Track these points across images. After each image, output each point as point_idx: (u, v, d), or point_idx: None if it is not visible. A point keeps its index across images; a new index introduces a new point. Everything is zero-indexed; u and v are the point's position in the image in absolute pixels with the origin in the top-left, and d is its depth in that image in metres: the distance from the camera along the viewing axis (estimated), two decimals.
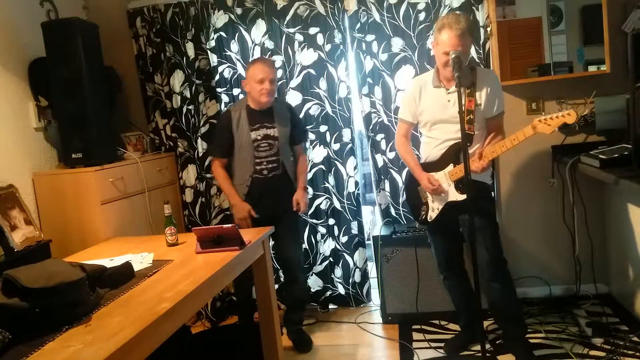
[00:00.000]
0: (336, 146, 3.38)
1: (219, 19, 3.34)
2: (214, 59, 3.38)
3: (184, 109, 3.40)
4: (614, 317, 2.94)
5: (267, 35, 3.33)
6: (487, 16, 3.04)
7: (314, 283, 3.55)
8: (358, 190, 3.43)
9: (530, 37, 3.08)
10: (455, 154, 2.46)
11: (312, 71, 3.32)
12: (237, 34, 3.38)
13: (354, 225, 3.44)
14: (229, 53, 3.40)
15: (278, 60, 3.35)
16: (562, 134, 3.13)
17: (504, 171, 3.28)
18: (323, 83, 3.32)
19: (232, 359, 2.87)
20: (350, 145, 3.36)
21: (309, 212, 3.46)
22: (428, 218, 2.65)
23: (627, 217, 2.87)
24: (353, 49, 3.27)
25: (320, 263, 3.52)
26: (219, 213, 3.47)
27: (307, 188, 3.26)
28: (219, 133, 3.01)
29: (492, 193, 2.95)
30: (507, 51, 3.07)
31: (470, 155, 2.40)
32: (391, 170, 3.33)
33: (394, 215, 3.40)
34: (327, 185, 3.43)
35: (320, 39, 3.27)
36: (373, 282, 3.49)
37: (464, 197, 2.44)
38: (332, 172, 3.41)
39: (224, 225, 2.22)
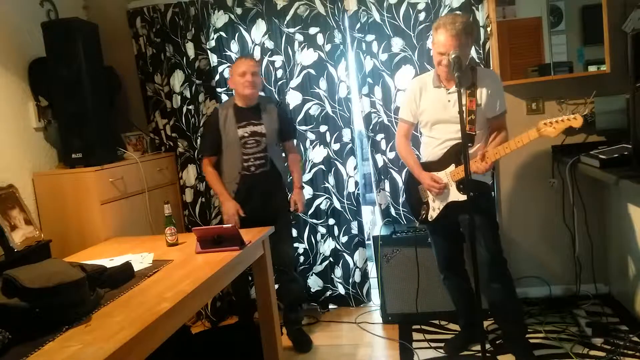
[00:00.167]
0: (336, 146, 3.38)
1: (219, 19, 3.35)
2: (214, 59, 3.39)
3: (184, 109, 3.40)
4: (614, 317, 2.94)
5: (267, 35, 3.33)
6: (487, 16, 3.04)
7: (314, 283, 3.55)
8: (358, 190, 3.43)
9: (530, 37, 3.08)
10: (457, 154, 2.46)
11: (312, 71, 3.32)
12: (237, 34, 3.38)
13: (354, 225, 3.44)
14: (229, 53, 3.40)
15: (278, 60, 3.35)
16: (563, 134, 3.13)
17: (504, 171, 3.28)
18: (323, 83, 3.32)
19: (232, 359, 2.88)
20: (350, 145, 3.36)
21: (309, 212, 3.46)
22: (429, 218, 2.65)
23: (627, 217, 2.87)
24: (353, 49, 3.27)
25: (320, 263, 3.52)
26: (219, 213, 3.46)
27: (304, 187, 3.27)
28: (207, 132, 3.05)
29: (492, 193, 2.95)
30: (507, 51, 3.07)
31: (472, 155, 2.41)
32: (391, 170, 3.33)
33: (394, 215, 3.40)
34: (327, 185, 3.43)
35: (320, 39, 3.27)
36: (373, 282, 3.49)
37: (465, 197, 2.44)
38: (332, 172, 3.41)
39: (224, 225, 2.22)
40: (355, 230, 3.44)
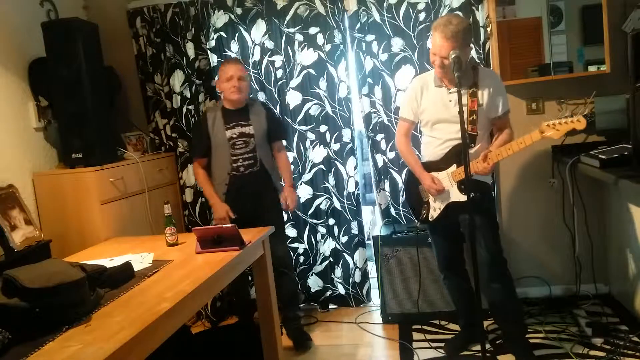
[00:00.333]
0: (336, 146, 3.38)
1: (219, 19, 3.35)
2: (214, 59, 3.38)
3: (184, 109, 3.40)
4: (614, 317, 2.94)
5: (267, 35, 3.33)
6: (487, 16, 3.04)
7: (314, 283, 3.55)
8: (358, 190, 3.43)
9: (530, 37, 3.08)
10: (458, 154, 2.45)
11: (312, 71, 3.32)
12: (237, 34, 3.39)
13: (354, 225, 3.44)
14: (229, 53, 3.40)
15: (278, 60, 3.35)
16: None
17: (504, 171, 3.28)
18: (323, 83, 3.33)
19: (232, 359, 2.88)
20: (350, 145, 3.36)
21: (309, 212, 3.47)
22: (429, 217, 2.65)
23: (627, 217, 2.87)
24: (353, 49, 3.27)
25: (320, 263, 3.52)
26: None
27: (296, 187, 3.27)
28: (197, 134, 3.10)
29: (493, 193, 2.95)
30: (507, 51, 3.07)
31: (474, 155, 2.41)
32: (391, 170, 3.33)
33: (394, 215, 3.40)
34: (327, 185, 3.43)
35: (320, 39, 3.27)
36: (373, 282, 3.49)
37: (466, 198, 2.44)
38: (332, 172, 3.41)
39: (224, 225, 2.22)
40: (355, 230, 3.44)
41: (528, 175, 3.26)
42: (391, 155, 3.31)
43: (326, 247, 3.49)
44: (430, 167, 2.60)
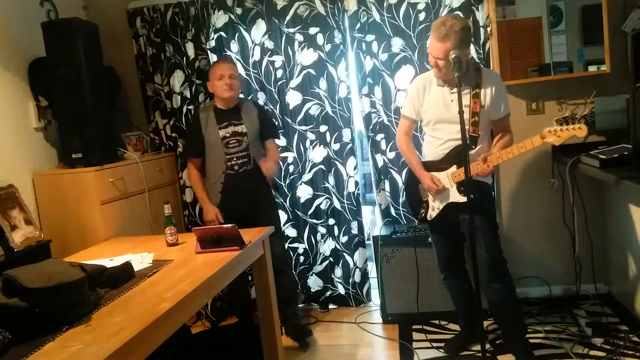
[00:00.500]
0: (336, 146, 3.38)
1: (219, 19, 3.34)
2: (214, 59, 3.38)
3: (184, 109, 3.40)
4: (614, 317, 2.94)
5: (267, 35, 3.33)
6: (487, 16, 3.04)
7: (314, 283, 3.55)
8: (358, 190, 3.43)
9: (530, 37, 3.08)
10: (459, 155, 2.45)
11: (312, 71, 3.32)
12: (237, 34, 3.39)
13: (354, 225, 3.44)
14: (229, 53, 3.40)
15: (278, 60, 3.35)
16: None
17: (504, 171, 3.27)
18: (323, 83, 3.32)
19: (232, 359, 2.87)
20: (350, 145, 3.36)
21: (309, 212, 3.47)
22: (428, 217, 2.65)
23: (627, 217, 2.87)
24: (353, 49, 3.27)
25: (320, 263, 3.52)
26: None
27: (279, 165, 3.27)
28: (190, 135, 3.14)
29: (493, 193, 2.95)
30: (507, 51, 3.07)
31: (474, 156, 2.41)
32: (391, 170, 3.33)
33: (394, 215, 3.40)
34: (327, 185, 3.43)
35: (320, 39, 3.27)
36: (373, 282, 3.49)
37: (465, 199, 2.44)
38: (332, 172, 3.41)
39: (223, 225, 2.22)
40: (355, 230, 3.44)
41: (528, 175, 3.26)
42: (391, 155, 3.31)
43: (326, 247, 3.49)
44: (430, 166, 2.60)
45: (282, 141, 3.43)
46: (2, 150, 2.66)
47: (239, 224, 2.31)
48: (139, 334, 1.42)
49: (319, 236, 3.50)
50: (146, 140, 3.43)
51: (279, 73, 3.36)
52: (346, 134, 3.35)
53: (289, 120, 3.41)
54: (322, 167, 3.42)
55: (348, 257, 3.47)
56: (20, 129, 2.80)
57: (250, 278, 3.42)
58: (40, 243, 2.57)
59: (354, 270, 3.47)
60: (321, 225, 3.48)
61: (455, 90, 2.39)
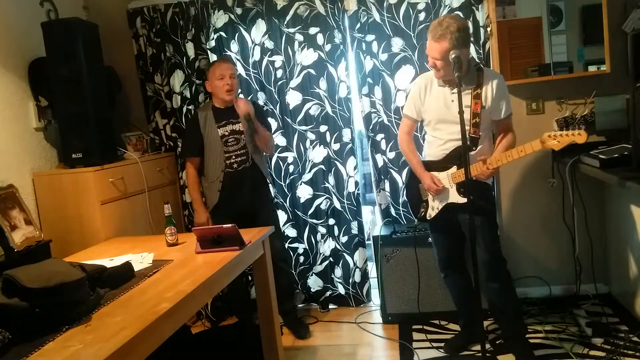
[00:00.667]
0: (336, 146, 3.38)
1: (219, 19, 3.34)
2: (214, 59, 3.38)
3: (184, 109, 3.40)
4: (614, 317, 2.94)
5: (267, 35, 3.33)
6: (487, 16, 3.04)
7: (314, 283, 3.55)
8: (358, 190, 3.43)
9: (530, 37, 3.08)
10: (459, 156, 2.45)
11: (312, 71, 3.32)
12: (237, 34, 3.39)
13: (354, 225, 3.44)
14: (229, 53, 3.40)
15: (278, 60, 3.35)
16: None
17: (504, 171, 3.27)
18: (323, 83, 3.32)
19: (232, 359, 2.87)
20: (350, 145, 3.36)
21: (309, 212, 3.47)
22: (427, 216, 2.65)
23: (627, 217, 2.87)
24: (353, 49, 3.27)
25: (320, 263, 3.52)
26: None
27: (266, 137, 3.12)
28: (189, 134, 3.14)
29: (493, 192, 2.94)
30: (507, 51, 3.07)
31: (475, 157, 2.40)
32: (391, 170, 3.33)
33: (394, 215, 3.40)
34: (327, 185, 3.43)
35: (320, 39, 3.27)
36: (373, 282, 3.49)
37: (464, 200, 2.44)
38: (332, 172, 3.41)
39: (223, 225, 2.21)
40: (355, 230, 3.44)
41: (528, 175, 3.26)
42: (391, 155, 3.31)
43: (326, 247, 3.49)
44: (431, 166, 2.60)
45: (282, 141, 3.43)
46: (2, 150, 2.66)
47: (238, 222, 2.31)
48: (139, 334, 1.42)
49: (319, 236, 3.49)
50: (146, 140, 3.43)
51: (279, 73, 3.36)
52: (346, 134, 3.35)
53: (289, 120, 3.41)
54: (322, 167, 3.42)
55: (348, 257, 3.47)
56: (20, 129, 2.80)
57: (250, 278, 3.42)
58: (40, 243, 2.57)
59: (354, 270, 3.47)
60: (321, 225, 3.47)
61: (456, 90, 2.40)
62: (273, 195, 3.39)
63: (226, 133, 3.00)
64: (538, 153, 3.17)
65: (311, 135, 3.40)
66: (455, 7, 3.07)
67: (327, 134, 3.38)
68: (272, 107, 3.41)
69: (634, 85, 2.37)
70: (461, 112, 2.08)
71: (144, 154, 3.33)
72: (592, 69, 3.02)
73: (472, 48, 2.98)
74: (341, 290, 3.52)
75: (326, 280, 3.53)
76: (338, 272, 3.50)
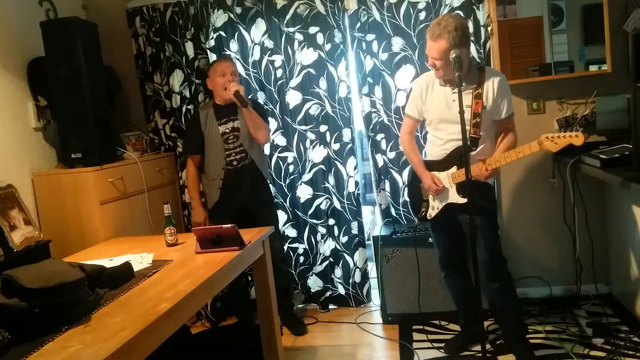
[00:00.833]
0: (336, 146, 3.37)
1: (219, 18, 3.34)
2: (213, 58, 3.37)
3: (184, 109, 3.39)
4: (615, 318, 2.93)
5: (266, 35, 3.32)
6: (487, 15, 3.04)
7: (314, 283, 3.54)
8: (358, 190, 3.42)
9: (531, 37, 3.07)
10: (460, 156, 2.44)
11: (312, 71, 3.32)
12: (236, 34, 3.38)
13: (354, 226, 3.43)
14: (228, 52, 3.40)
15: (278, 59, 3.34)
16: None
17: (504, 171, 3.27)
18: (323, 83, 3.32)
19: (232, 359, 2.87)
20: (350, 145, 3.35)
21: (309, 212, 3.46)
22: (427, 216, 2.65)
23: (627, 217, 2.87)
24: (353, 49, 3.27)
25: (320, 263, 3.52)
26: None
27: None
28: (190, 132, 3.15)
29: (493, 192, 2.94)
30: (508, 51, 3.06)
31: (475, 157, 2.40)
32: (391, 170, 3.32)
33: (394, 215, 3.39)
34: (327, 185, 3.43)
35: (320, 39, 3.27)
36: (373, 282, 3.48)
37: (464, 200, 2.44)
38: (332, 172, 3.40)
39: (223, 225, 2.21)
40: (355, 231, 3.43)
41: (528, 175, 3.26)
42: (391, 155, 3.30)
43: (326, 247, 3.49)
44: (432, 166, 2.59)
45: (282, 141, 3.43)
46: (1, 150, 2.65)
47: (238, 221, 2.31)
48: (138, 334, 1.42)
49: (319, 236, 3.49)
50: (145, 140, 3.43)
51: (279, 72, 3.36)
52: (346, 134, 3.35)
53: (288, 120, 3.40)
54: (322, 167, 3.41)
55: (348, 257, 3.46)
56: (20, 129, 2.79)
57: (250, 278, 3.41)
58: (40, 243, 2.56)
59: (354, 271, 3.46)
60: (321, 226, 3.47)
61: (457, 90, 2.39)
62: (273, 196, 3.38)
63: (227, 130, 3.01)
64: (538, 153, 3.18)
65: (311, 135, 3.39)
66: (455, 6, 3.06)
67: (327, 133, 3.37)
68: (272, 106, 3.40)
69: (635, 84, 2.37)
70: (461, 112, 2.07)
71: (144, 153, 3.33)
72: (593, 68, 3.02)
73: (472, 47, 2.98)
74: (341, 290, 3.52)
75: (326, 281, 3.53)
76: (338, 272, 3.50)
